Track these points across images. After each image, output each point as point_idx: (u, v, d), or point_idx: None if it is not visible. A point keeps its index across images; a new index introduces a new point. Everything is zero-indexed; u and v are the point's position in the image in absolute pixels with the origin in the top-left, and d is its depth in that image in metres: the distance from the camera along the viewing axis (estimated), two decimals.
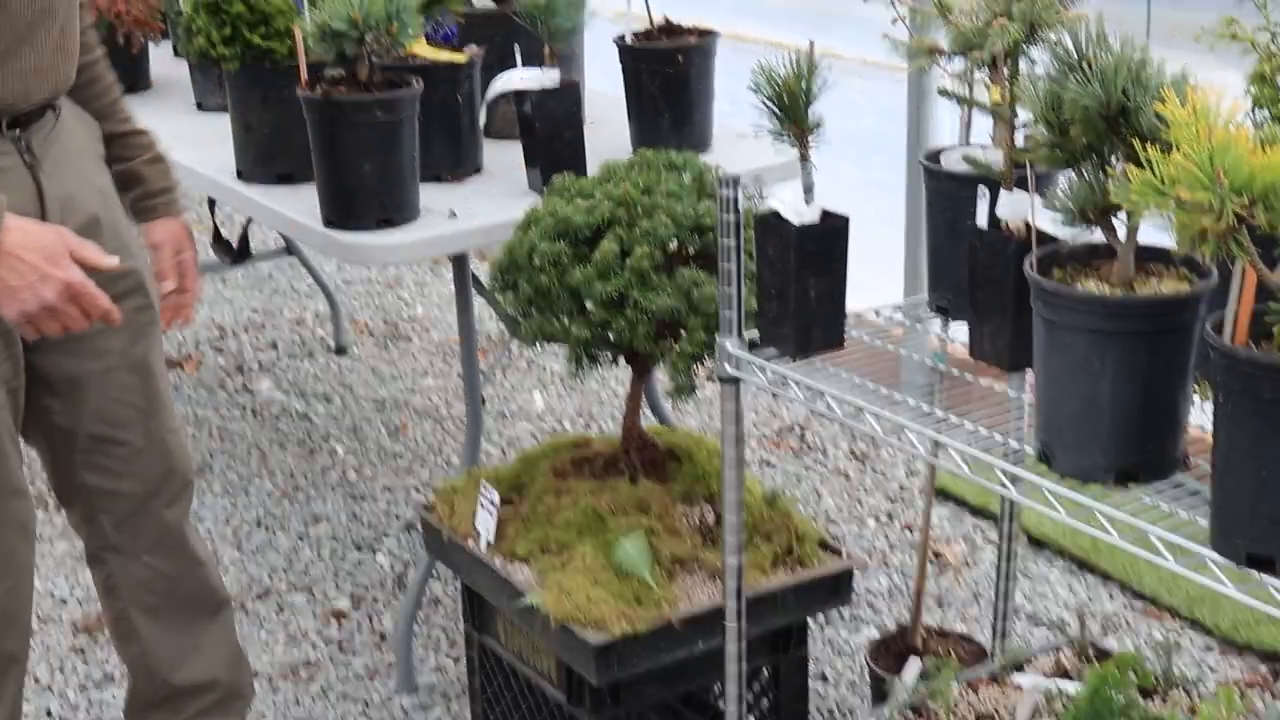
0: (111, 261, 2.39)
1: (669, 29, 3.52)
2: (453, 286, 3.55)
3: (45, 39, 2.49)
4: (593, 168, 3.19)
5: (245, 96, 3.36)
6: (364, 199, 3.04)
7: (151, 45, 4.25)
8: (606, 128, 3.64)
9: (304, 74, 3.09)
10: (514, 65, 3.28)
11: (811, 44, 2.35)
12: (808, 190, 2.37)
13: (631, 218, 2.78)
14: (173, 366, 5.29)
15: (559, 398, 5.02)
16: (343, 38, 2.96)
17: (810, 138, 2.36)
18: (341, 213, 3.07)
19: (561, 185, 2.92)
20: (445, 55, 3.29)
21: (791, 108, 2.33)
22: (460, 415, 4.87)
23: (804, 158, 2.37)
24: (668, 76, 3.39)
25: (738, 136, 3.59)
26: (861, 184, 4.62)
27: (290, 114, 3.26)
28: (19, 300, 2.30)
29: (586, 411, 4.92)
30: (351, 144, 3.00)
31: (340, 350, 5.43)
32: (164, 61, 4.41)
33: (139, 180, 2.80)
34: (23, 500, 2.63)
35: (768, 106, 2.35)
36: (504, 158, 3.46)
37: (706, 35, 3.47)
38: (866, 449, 4.61)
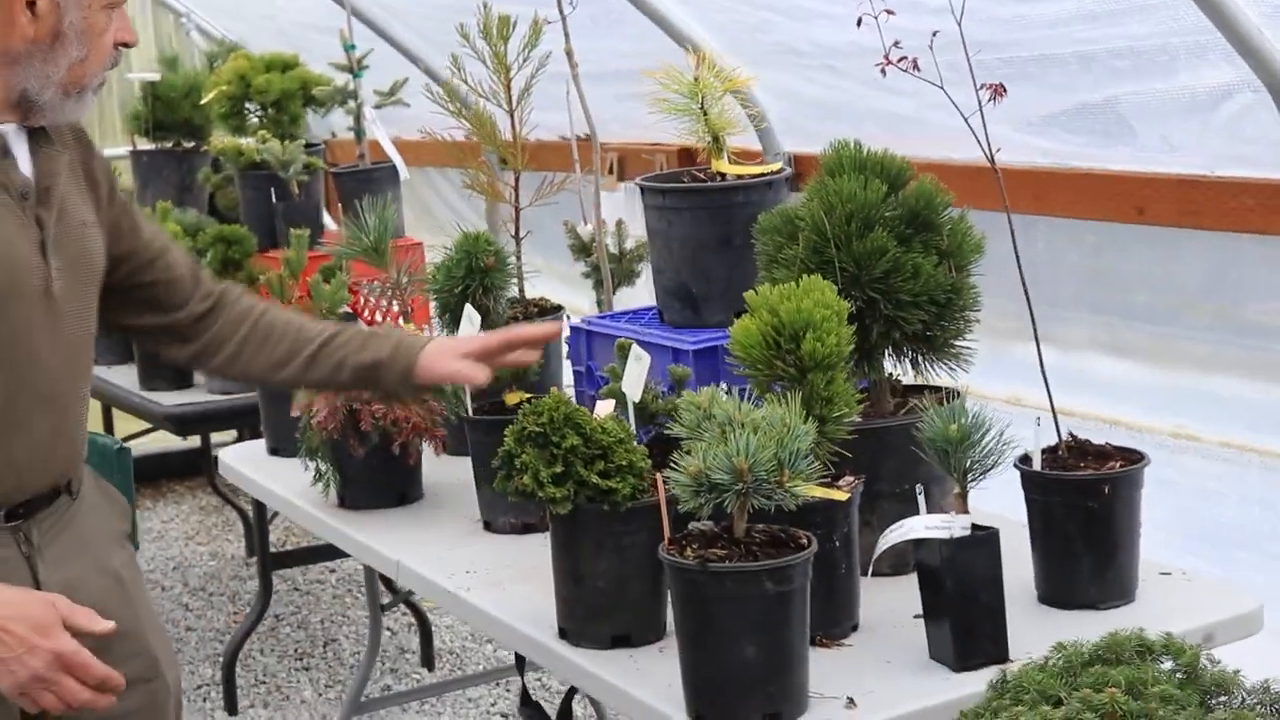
0: (106, 626, 2.41)
1: (1080, 448, 2.88)
2: None
3: (42, 426, 2.53)
4: None
5: (574, 542, 2.76)
6: (746, 688, 2.41)
7: (429, 450, 3.68)
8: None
9: (667, 529, 2.50)
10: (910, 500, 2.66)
11: None
12: None
13: None
14: None
15: None
16: (722, 490, 2.37)
17: None
18: (717, 706, 2.43)
19: (1016, 683, 2.26)
20: (818, 490, 2.68)
21: None
22: None
23: None
24: (1088, 511, 2.74)
25: (1159, 575, 2.92)
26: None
27: (630, 563, 2.71)
28: (10, 673, 2.33)
29: None
30: (733, 622, 2.38)
31: None
32: (436, 467, 3.81)
33: (377, 363, 2.86)
34: None
35: None
36: (884, 604, 2.81)
37: (1134, 459, 2.81)
38: None
